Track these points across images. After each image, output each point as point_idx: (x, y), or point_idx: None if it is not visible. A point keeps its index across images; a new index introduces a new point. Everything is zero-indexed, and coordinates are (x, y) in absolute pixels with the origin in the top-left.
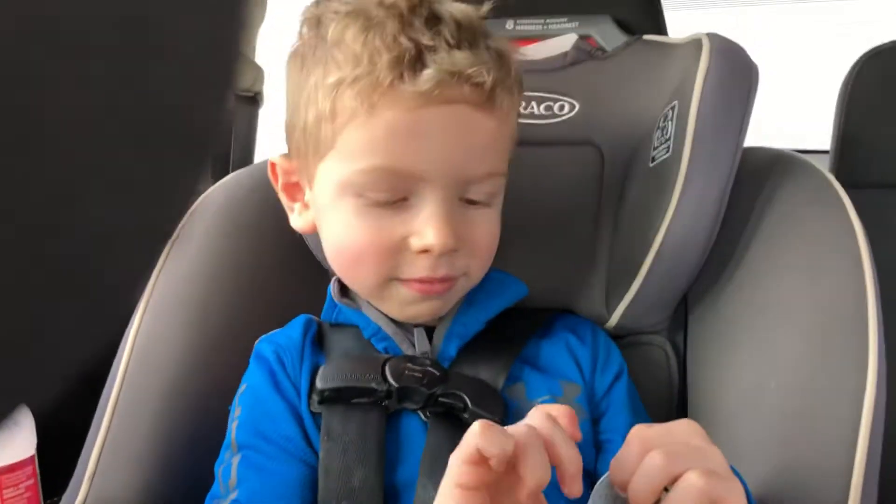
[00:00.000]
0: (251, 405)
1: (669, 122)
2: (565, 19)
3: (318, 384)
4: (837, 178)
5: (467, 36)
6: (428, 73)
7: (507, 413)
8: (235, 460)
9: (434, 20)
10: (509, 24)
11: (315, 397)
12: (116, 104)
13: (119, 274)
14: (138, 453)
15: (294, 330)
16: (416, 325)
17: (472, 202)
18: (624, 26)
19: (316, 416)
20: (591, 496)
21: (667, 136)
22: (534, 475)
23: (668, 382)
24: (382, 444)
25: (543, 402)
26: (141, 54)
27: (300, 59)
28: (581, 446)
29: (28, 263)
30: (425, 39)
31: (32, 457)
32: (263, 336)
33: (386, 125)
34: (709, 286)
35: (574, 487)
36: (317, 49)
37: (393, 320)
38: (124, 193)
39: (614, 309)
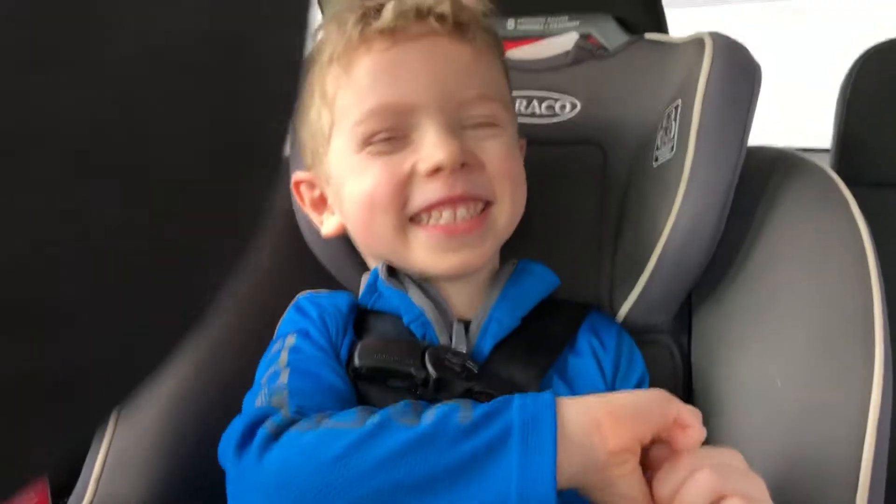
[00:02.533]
0: (301, 337)
1: (673, 122)
2: (566, 18)
3: (356, 360)
4: (839, 176)
5: None
6: (389, 8)
7: None
8: (285, 372)
9: None
10: (510, 24)
11: (350, 374)
12: (206, 122)
13: (195, 294)
14: (144, 455)
15: (340, 301)
16: (455, 318)
17: (477, 129)
18: (625, 25)
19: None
20: None
21: (670, 136)
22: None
23: (673, 381)
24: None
25: None
26: (229, 71)
27: None
28: None
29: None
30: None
31: None
32: (308, 294)
33: (366, 72)
34: (713, 285)
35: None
36: (309, 69)
37: (438, 308)
38: (205, 214)
39: (619, 308)
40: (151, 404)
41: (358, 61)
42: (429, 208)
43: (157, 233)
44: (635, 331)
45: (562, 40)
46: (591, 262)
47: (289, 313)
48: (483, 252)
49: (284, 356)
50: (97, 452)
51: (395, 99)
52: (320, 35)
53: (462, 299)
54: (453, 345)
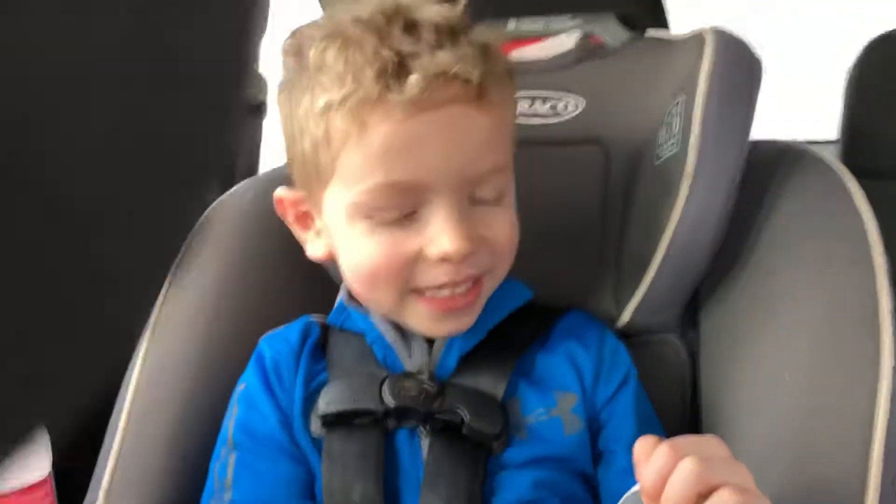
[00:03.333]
0: (247, 405)
1: (675, 119)
2: (567, 17)
3: (321, 408)
4: (846, 167)
5: (447, 36)
6: (414, 79)
7: (506, 424)
8: (231, 458)
9: (412, 27)
10: (511, 24)
11: (317, 420)
12: (127, 129)
13: (126, 302)
14: (152, 467)
15: (292, 334)
16: (418, 337)
17: (482, 202)
18: (627, 22)
19: (316, 440)
20: None
21: (673, 133)
22: None
23: (680, 380)
24: (381, 459)
25: (537, 415)
26: (154, 75)
27: (288, 90)
28: (576, 456)
29: (42, 293)
30: (406, 47)
31: (48, 477)
32: (266, 335)
33: (381, 141)
34: (719, 282)
35: None
36: (301, 77)
37: (397, 329)
38: (136, 221)
39: (624, 307)
40: (158, 417)
41: (372, 126)
42: (435, 288)
43: (81, 250)
44: (641, 330)
45: (563, 39)
46: (595, 262)
47: (251, 359)
48: (473, 318)
49: (231, 433)
50: (105, 465)
51: (408, 178)
52: (318, 52)
53: None
54: (412, 364)
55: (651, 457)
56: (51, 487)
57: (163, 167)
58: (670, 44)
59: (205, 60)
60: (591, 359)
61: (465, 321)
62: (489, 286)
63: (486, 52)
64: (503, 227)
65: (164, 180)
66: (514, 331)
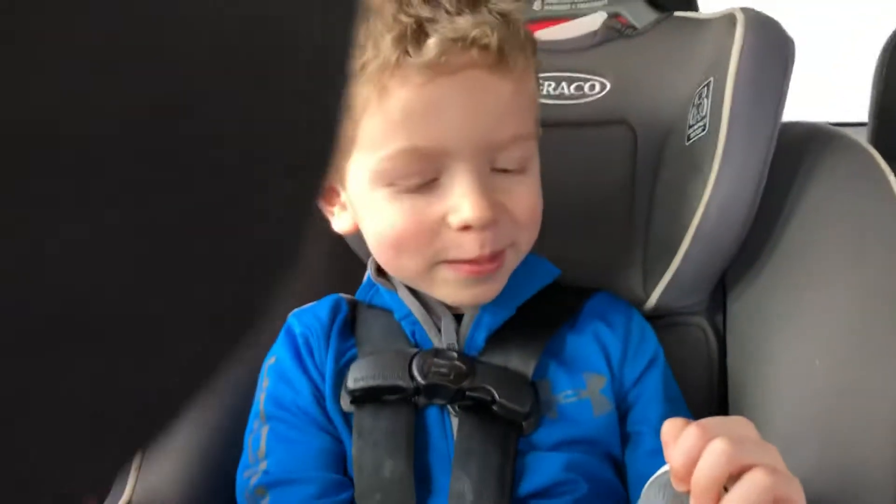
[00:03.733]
0: (277, 378)
1: (705, 100)
2: None
3: (349, 384)
4: (877, 150)
5: (467, 4)
6: (432, 42)
7: (536, 403)
8: (264, 431)
9: None
10: (537, 5)
11: (347, 397)
12: (254, 123)
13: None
14: (181, 446)
15: (322, 311)
16: (447, 313)
17: (505, 171)
18: (654, 3)
19: (347, 415)
20: (646, 490)
21: (702, 114)
22: None
23: (707, 363)
24: (412, 436)
25: (566, 397)
26: (278, 64)
27: None
28: (605, 438)
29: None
30: (425, 12)
31: None
32: (295, 310)
33: (401, 106)
34: (748, 265)
35: None
36: None
37: (425, 306)
38: (261, 212)
39: (652, 290)
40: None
41: (392, 91)
42: (463, 262)
43: (214, 244)
44: (669, 312)
45: (589, 20)
46: (623, 244)
47: (280, 334)
48: (499, 286)
49: (262, 406)
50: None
51: (428, 143)
52: None
53: None
54: (442, 341)
55: (680, 438)
56: None
57: (286, 156)
58: (699, 23)
59: (321, 41)
60: (619, 339)
61: (492, 288)
62: (513, 257)
63: (506, 20)
64: (526, 196)
65: (289, 168)
66: (542, 310)
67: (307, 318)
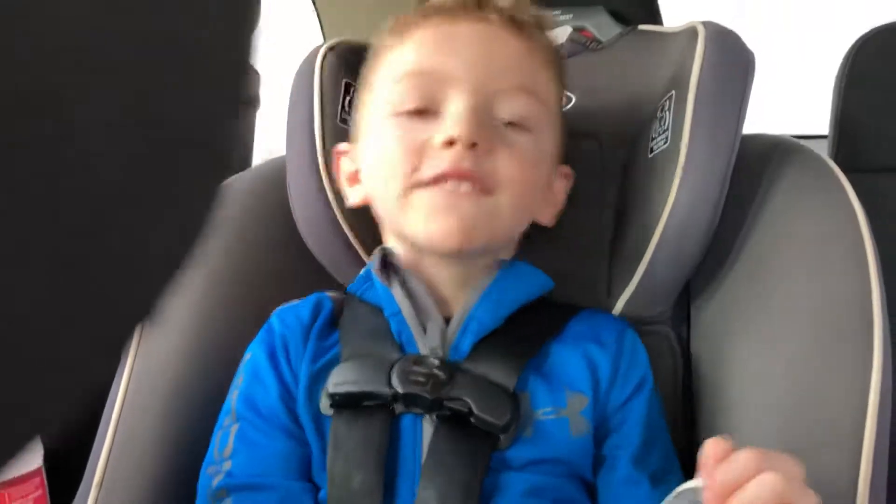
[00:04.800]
0: (251, 376)
1: (667, 112)
2: (559, 12)
3: (330, 388)
4: (837, 162)
5: None
6: None
7: (515, 417)
8: (233, 430)
9: None
10: None
11: (326, 400)
12: (137, 121)
13: (146, 297)
14: (145, 459)
15: (304, 309)
16: (437, 315)
17: (509, 125)
18: (619, 17)
19: (318, 418)
20: (669, 500)
21: (665, 127)
22: None
23: (672, 371)
24: (384, 446)
25: (545, 414)
26: (159, 68)
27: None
28: (579, 460)
29: (55, 288)
30: None
31: (39, 468)
32: (280, 307)
33: (417, 38)
34: (711, 274)
35: None
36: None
37: (415, 307)
38: (151, 214)
39: (617, 299)
40: (150, 409)
41: (412, 30)
42: (436, 179)
43: (97, 241)
44: (634, 321)
45: (555, 34)
46: (589, 254)
47: (260, 331)
48: (473, 225)
49: (234, 404)
50: (98, 458)
51: (435, 66)
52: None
53: (449, 293)
54: (427, 343)
55: (733, 458)
56: (42, 480)
57: (171, 157)
58: (663, 37)
59: (207, 48)
60: (609, 357)
61: (463, 221)
62: (498, 206)
63: (519, 2)
64: (520, 153)
65: (180, 169)
66: (532, 321)
67: (289, 317)
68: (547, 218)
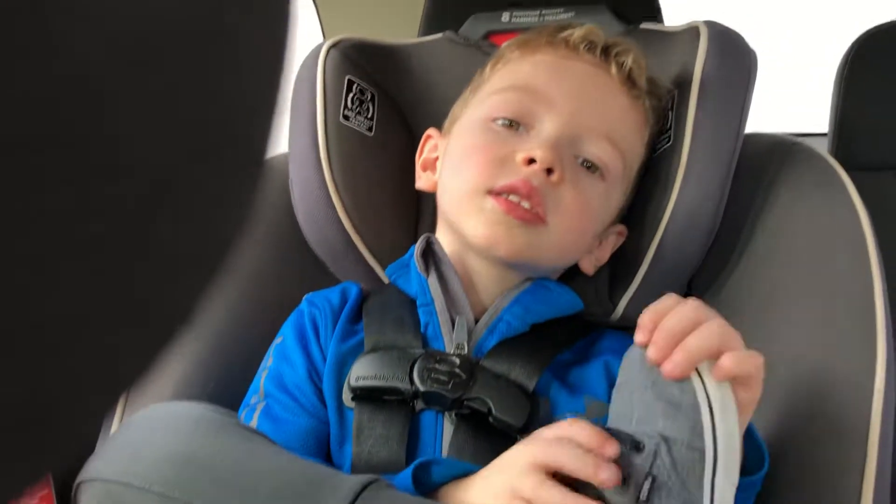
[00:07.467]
0: (281, 357)
1: (669, 112)
2: (561, 10)
3: (352, 381)
4: (837, 160)
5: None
6: (579, 31)
7: (533, 418)
8: (259, 407)
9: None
10: (505, 16)
11: (349, 393)
12: (187, 118)
13: (185, 301)
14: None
15: (334, 295)
16: (468, 310)
17: (585, 165)
18: (620, 15)
19: (343, 404)
20: (624, 360)
21: (667, 126)
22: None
23: None
24: (404, 442)
25: (564, 418)
26: (214, 68)
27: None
28: None
29: (97, 294)
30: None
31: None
32: (308, 294)
33: (533, 63)
34: (713, 274)
35: None
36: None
37: (448, 300)
38: (192, 212)
39: (619, 301)
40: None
41: (535, 52)
42: (505, 189)
43: (138, 238)
44: (636, 322)
45: None
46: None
47: (290, 315)
48: (517, 250)
49: (262, 383)
50: None
51: (539, 87)
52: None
53: (483, 293)
54: (452, 339)
55: (670, 311)
56: (49, 476)
57: (216, 153)
58: (664, 36)
59: (252, 44)
60: None
61: (513, 242)
62: (539, 234)
63: (641, 66)
64: (586, 195)
65: (220, 166)
66: (557, 331)
67: (319, 299)
68: (588, 267)
